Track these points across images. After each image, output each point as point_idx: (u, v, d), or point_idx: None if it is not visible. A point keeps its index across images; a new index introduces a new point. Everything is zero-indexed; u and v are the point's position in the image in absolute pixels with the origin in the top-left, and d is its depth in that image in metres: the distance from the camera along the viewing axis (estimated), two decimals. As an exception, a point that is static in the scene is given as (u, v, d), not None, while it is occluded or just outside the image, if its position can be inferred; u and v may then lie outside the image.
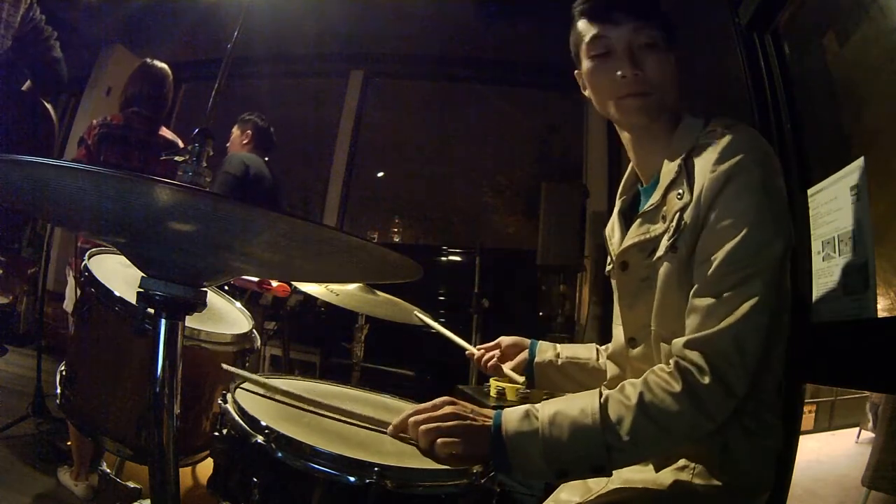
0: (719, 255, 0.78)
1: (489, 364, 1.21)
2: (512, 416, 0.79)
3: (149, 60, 2.43)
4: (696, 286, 0.81)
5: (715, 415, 0.75)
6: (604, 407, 0.76)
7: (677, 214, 0.85)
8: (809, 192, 1.22)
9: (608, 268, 1.07)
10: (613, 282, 1.04)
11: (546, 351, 1.19)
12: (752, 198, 0.79)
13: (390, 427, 0.84)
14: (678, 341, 0.80)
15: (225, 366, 1.08)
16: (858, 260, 1.03)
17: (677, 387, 0.75)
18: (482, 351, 1.24)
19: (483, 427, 0.78)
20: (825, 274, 1.13)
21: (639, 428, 0.74)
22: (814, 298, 1.16)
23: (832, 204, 1.13)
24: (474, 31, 3.99)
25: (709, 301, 0.78)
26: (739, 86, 1.53)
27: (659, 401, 0.75)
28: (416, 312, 1.57)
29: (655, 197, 0.90)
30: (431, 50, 4.43)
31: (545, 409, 0.78)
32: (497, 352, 1.23)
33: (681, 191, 0.86)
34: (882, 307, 0.99)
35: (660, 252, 0.87)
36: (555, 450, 0.75)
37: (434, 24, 3.97)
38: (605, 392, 0.79)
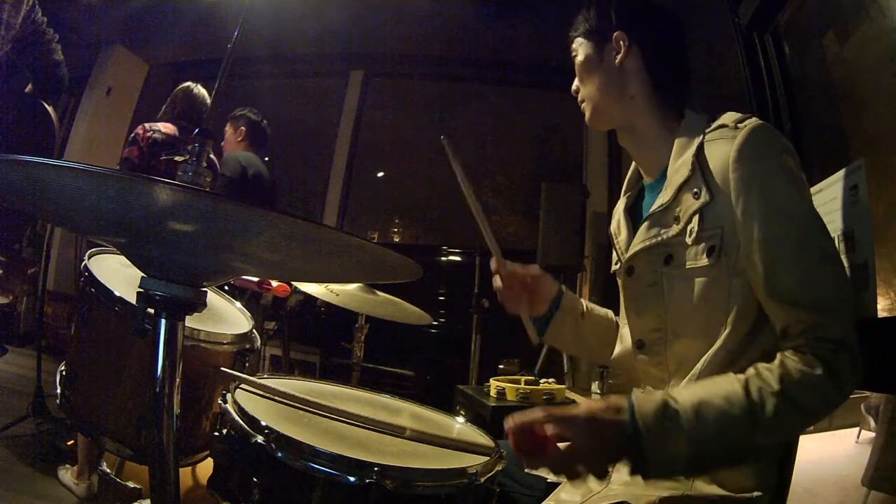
0: (786, 252, 0.76)
1: (512, 299, 1.05)
2: (646, 407, 0.70)
3: (191, 84, 2.48)
4: (773, 287, 0.76)
5: (847, 392, 0.71)
6: (748, 395, 0.70)
7: (696, 215, 0.83)
8: (809, 192, 1.22)
9: (614, 267, 1.04)
10: (620, 283, 1.02)
11: (574, 301, 1.11)
12: (789, 188, 0.78)
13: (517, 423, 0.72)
14: (791, 337, 0.74)
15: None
16: (858, 260, 1.02)
17: (819, 370, 0.70)
18: (507, 280, 1.05)
19: (617, 421, 0.70)
20: (825, 274, 1.13)
21: (782, 416, 0.69)
22: (814, 298, 1.16)
23: (832, 204, 1.12)
24: (474, 31, 3.99)
25: (806, 298, 0.74)
26: (739, 86, 1.53)
27: (803, 386, 0.70)
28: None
29: (665, 197, 0.88)
30: (431, 50, 4.43)
31: (685, 399, 0.71)
32: (527, 285, 1.07)
33: (696, 189, 0.83)
34: (882, 307, 0.99)
35: (688, 259, 0.84)
36: (702, 444, 0.69)
37: (434, 24, 3.97)
38: (742, 377, 0.72)
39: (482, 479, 0.82)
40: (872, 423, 1.50)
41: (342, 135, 4.56)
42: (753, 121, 0.83)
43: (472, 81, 4.68)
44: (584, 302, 1.15)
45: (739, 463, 0.74)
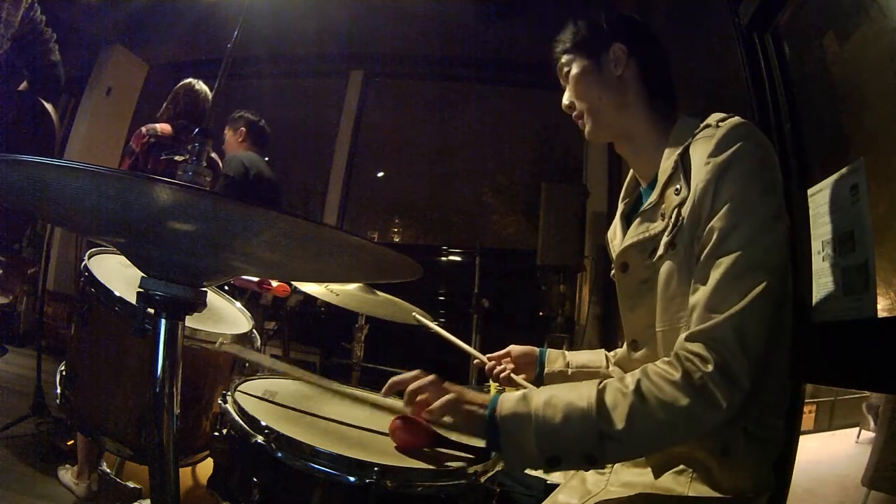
0: (718, 248, 0.78)
1: (502, 376, 1.20)
2: (508, 398, 0.78)
3: (192, 80, 2.48)
4: (696, 280, 0.79)
5: (719, 404, 0.71)
6: (601, 392, 0.75)
7: (675, 210, 0.85)
8: (809, 192, 1.22)
9: (613, 272, 1.07)
10: (616, 282, 1.04)
11: (555, 360, 1.19)
12: (747, 188, 0.78)
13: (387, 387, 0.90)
14: (681, 336, 0.78)
15: (224, 346, 1.07)
16: (858, 260, 1.03)
17: (676, 375, 0.73)
18: (493, 362, 1.22)
19: (479, 408, 0.79)
20: (825, 274, 1.13)
21: (635, 416, 0.72)
22: (814, 298, 1.16)
23: (832, 204, 1.12)
24: (474, 31, 3.99)
25: (709, 294, 0.76)
26: (739, 86, 1.53)
27: (657, 389, 0.73)
28: (428, 322, 1.50)
29: (654, 195, 0.91)
30: (431, 50, 4.43)
31: (541, 393, 0.78)
32: (509, 361, 1.22)
33: (678, 186, 0.85)
34: (882, 307, 0.99)
35: (660, 251, 0.87)
36: (547, 433, 0.74)
37: (434, 24, 3.97)
38: (605, 380, 0.77)
39: (482, 479, 0.82)
40: (872, 423, 1.50)
41: (342, 135, 4.56)
42: (735, 119, 0.85)
43: (472, 81, 4.68)
44: (568, 355, 1.20)
45: (597, 461, 0.74)
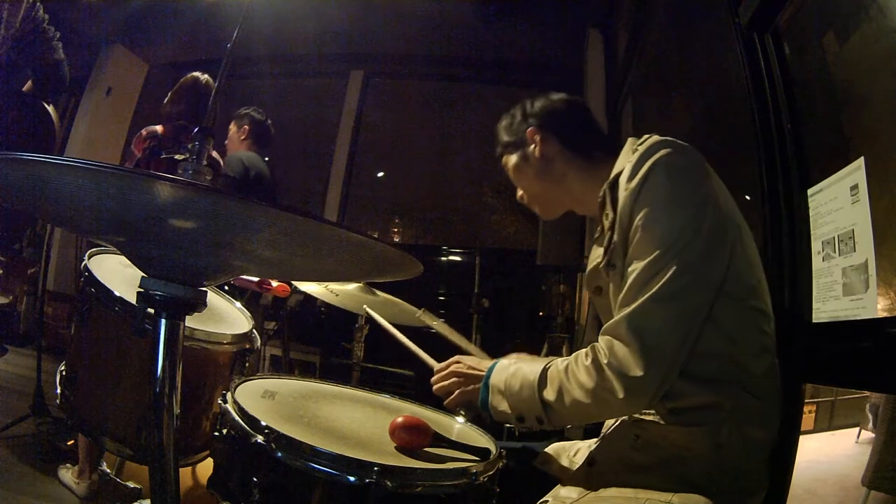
0: (633, 257, 0.87)
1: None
2: (499, 366, 0.98)
3: (198, 75, 2.44)
4: (625, 287, 0.88)
5: (615, 391, 0.82)
6: (545, 369, 0.91)
7: (609, 234, 0.93)
8: (809, 192, 1.22)
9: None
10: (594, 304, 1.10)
11: None
12: (656, 204, 0.85)
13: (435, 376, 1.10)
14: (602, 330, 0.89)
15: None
16: (858, 260, 1.03)
17: (587, 361, 0.87)
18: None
19: (478, 376, 1.00)
20: (825, 274, 1.13)
21: (562, 391, 0.88)
22: (814, 298, 1.16)
23: (832, 204, 1.12)
24: (474, 31, 3.99)
25: (622, 295, 0.87)
26: (739, 86, 1.53)
27: (575, 370, 0.88)
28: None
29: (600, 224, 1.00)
30: (431, 50, 4.43)
31: (514, 364, 0.96)
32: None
33: (608, 212, 0.94)
34: (882, 307, 0.99)
35: (604, 273, 0.95)
36: (512, 397, 0.93)
37: (434, 24, 3.97)
38: (553, 360, 0.93)
39: (482, 479, 0.82)
40: (872, 422, 1.50)
41: (342, 135, 4.56)
42: (650, 140, 0.92)
43: (472, 81, 4.68)
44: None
45: (544, 422, 0.90)
